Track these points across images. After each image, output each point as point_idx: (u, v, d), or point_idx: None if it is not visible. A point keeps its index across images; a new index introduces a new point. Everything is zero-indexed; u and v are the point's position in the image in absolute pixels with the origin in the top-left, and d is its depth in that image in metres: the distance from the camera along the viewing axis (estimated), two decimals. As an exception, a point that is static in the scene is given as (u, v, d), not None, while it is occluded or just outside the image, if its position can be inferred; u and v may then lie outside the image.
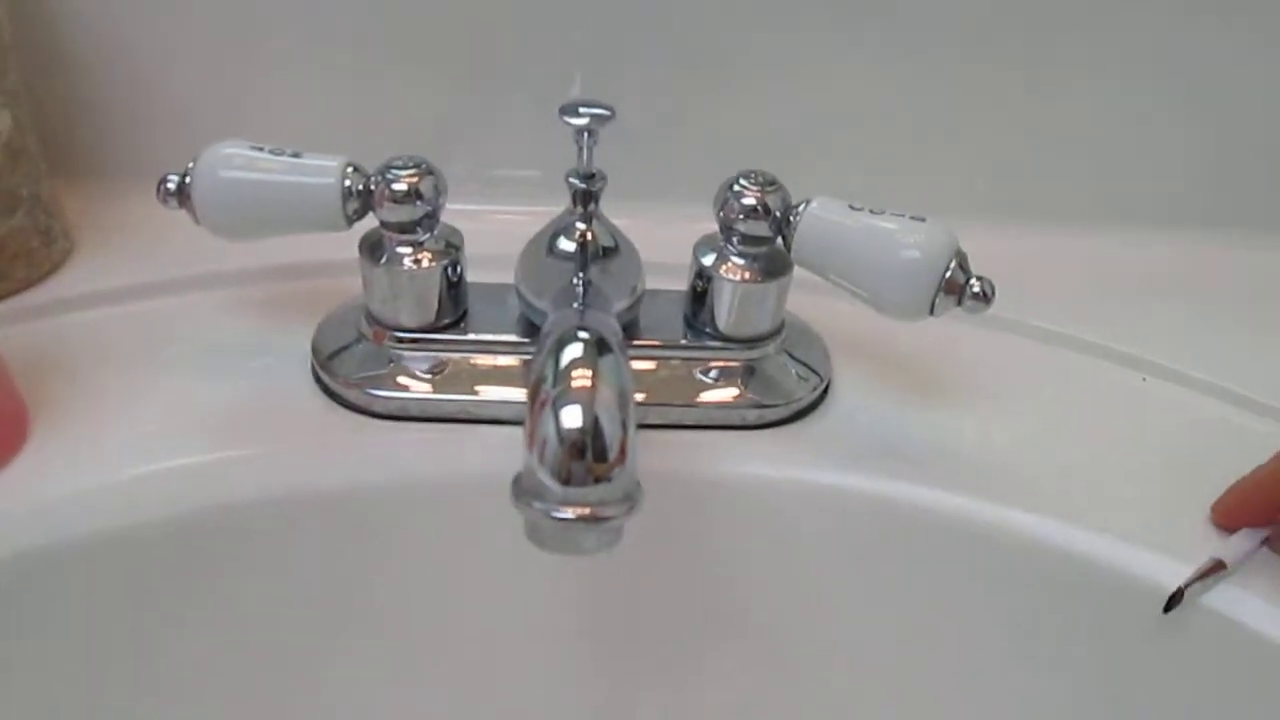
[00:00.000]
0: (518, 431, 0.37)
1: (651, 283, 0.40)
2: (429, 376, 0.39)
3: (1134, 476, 0.39)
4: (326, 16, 0.45)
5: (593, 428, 0.27)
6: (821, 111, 0.48)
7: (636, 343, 0.40)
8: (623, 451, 0.27)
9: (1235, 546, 0.35)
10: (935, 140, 0.49)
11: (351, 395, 0.38)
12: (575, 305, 0.34)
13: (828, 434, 0.40)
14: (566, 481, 0.27)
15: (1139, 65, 0.47)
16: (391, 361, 0.39)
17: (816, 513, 0.39)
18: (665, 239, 0.40)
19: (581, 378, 0.28)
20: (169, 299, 0.43)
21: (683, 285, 0.40)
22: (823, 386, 0.41)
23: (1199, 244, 0.51)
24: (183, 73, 0.46)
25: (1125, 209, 0.51)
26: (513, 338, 0.39)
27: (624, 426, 0.28)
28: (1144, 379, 0.44)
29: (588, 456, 0.27)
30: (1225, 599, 0.35)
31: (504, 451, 0.37)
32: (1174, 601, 0.34)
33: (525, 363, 0.39)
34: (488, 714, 0.43)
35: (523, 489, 0.28)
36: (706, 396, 0.39)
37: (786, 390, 0.40)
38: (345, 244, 0.39)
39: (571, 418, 0.27)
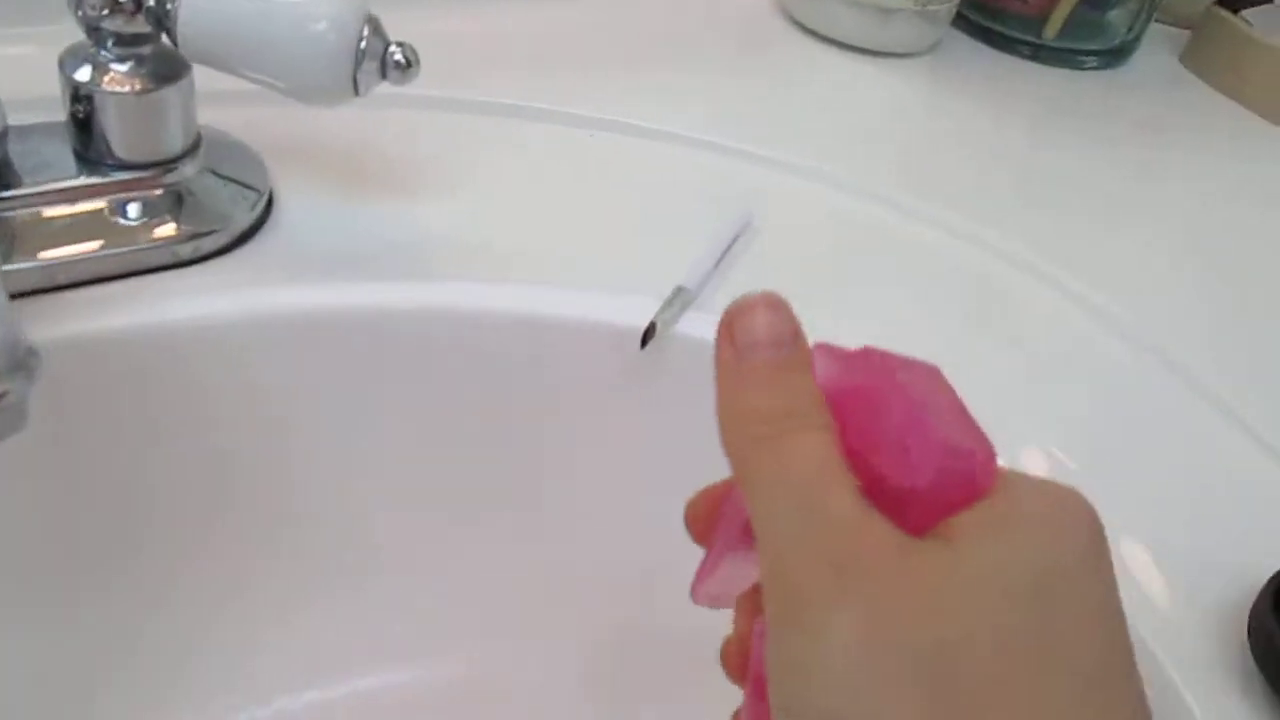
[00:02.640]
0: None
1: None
2: None
3: (600, 230, 0.40)
4: None
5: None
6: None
7: (17, 192, 0.33)
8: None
9: (693, 271, 0.37)
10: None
11: None
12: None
13: (279, 253, 0.36)
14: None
15: None
16: None
17: (282, 339, 0.35)
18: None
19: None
20: None
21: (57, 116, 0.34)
22: (263, 202, 0.36)
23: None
24: None
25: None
26: None
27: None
28: (591, 134, 0.44)
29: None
30: (695, 325, 0.36)
31: None
32: (648, 336, 0.35)
33: None
34: None
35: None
36: (130, 238, 0.33)
37: (222, 213, 0.35)
38: None
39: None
